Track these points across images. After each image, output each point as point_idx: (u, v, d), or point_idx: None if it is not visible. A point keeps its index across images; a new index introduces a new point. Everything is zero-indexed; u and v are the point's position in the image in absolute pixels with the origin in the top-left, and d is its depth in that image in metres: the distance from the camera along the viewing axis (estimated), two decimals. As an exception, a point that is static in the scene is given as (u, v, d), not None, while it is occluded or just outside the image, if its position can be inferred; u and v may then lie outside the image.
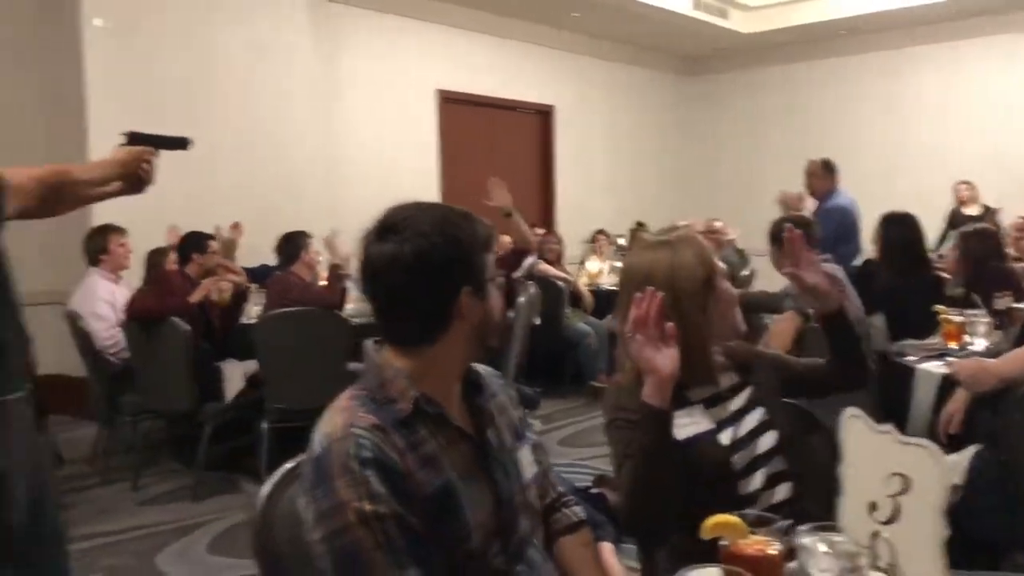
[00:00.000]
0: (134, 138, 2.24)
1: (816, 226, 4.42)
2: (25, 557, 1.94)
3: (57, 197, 2.11)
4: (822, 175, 6.14)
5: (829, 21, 9.74)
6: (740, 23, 10.03)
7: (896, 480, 1.26)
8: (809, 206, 6.43)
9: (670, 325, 1.62)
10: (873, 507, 1.29)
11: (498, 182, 4.34)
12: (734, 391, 1.83)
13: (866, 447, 1.33)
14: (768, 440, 1.78)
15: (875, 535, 1.28)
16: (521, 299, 5.18)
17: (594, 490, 1.97)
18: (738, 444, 1.76)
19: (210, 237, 5.08)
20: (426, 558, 1.31)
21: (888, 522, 1.27)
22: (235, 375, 4.52)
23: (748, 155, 11.29)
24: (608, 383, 1.88)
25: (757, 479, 1.75)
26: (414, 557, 1.29)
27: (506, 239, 4.59)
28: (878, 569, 1.27)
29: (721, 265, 1.82)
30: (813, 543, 1.25)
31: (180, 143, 2.29)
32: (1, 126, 5.92)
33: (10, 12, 6.00)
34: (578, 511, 1.63)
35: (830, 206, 6.03)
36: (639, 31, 9.96)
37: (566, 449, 5.29)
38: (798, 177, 6.50)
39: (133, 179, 2.19)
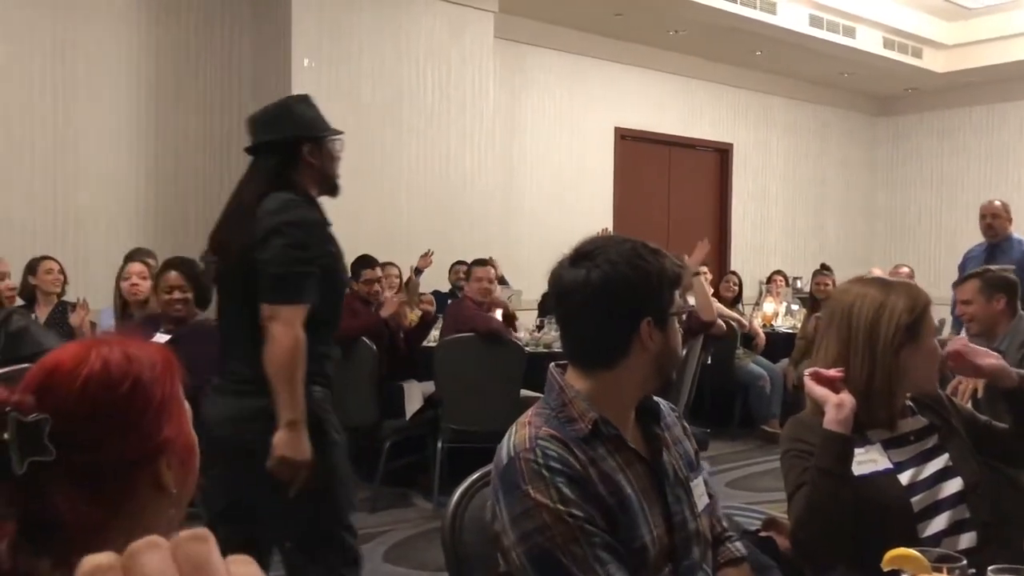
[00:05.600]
0: None
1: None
2: None
3: None
4: (1007, 216, 5.74)
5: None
6: (935, 62, 9.58)
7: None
8: None
9: (838, 374, 1.69)
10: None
11: (705, 246, 4.46)
12: (921, 435, 1.81)
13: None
14: (953, 486, 1.75)
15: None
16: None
17: (763, 533, 1.96)
18: (918, 486, 1.74)
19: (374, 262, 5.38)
20: (621, 556, 1.38)
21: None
22: (415, 395, 4.74)
23: (940, 199, 10.73)
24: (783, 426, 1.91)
25: (940, 522, 1.72)
26: (609, 554, 1.37)
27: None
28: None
29: (935, 322, 1.80)
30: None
31: None
32: (217, 152, 6.60)
33: (230, 53, 6.65)
34: (739, 546, 1.67)
35: None
36: (825, 70, 9.72)
37: (734, 492, 5.19)
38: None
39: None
